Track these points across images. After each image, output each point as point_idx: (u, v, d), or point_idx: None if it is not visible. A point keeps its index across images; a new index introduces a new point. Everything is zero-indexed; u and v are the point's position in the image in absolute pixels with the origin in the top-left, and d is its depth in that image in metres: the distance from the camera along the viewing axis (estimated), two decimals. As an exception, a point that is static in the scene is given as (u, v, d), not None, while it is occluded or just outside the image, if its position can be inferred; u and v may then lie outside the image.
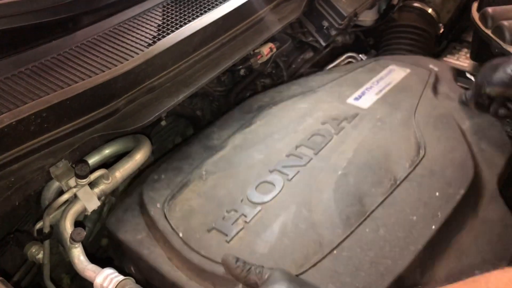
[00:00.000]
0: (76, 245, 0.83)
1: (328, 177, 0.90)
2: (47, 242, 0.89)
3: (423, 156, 0.93)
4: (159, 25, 0.93)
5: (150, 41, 0.88)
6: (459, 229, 0.83)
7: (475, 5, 1.34)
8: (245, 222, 0.82)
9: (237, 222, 0.82)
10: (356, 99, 1.10)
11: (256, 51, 1.25)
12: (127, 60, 0.83)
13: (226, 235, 0.80)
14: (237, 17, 1.06)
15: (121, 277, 0.77)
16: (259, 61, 1.25)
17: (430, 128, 1.01)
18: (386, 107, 1.07)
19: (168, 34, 0.90)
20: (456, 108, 1.09)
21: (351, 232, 0.79)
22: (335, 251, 0.77)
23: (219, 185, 0.91)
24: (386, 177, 0.89)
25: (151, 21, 0.94)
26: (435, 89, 1.15)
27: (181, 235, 0.81)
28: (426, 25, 1.49)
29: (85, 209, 0.89)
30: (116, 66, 0.82)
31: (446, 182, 0.88)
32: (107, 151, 1.01)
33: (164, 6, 0.98)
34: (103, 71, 0.80)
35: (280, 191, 0.87)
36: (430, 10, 1.50)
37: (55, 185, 0.90)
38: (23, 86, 0.76)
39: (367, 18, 1.61)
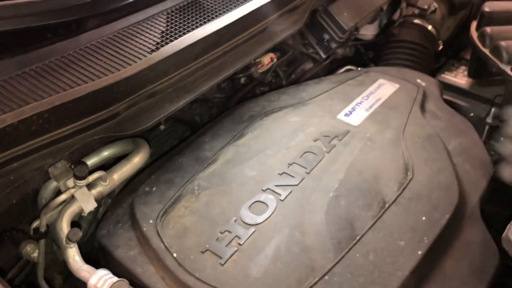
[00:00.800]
0: (72, 245, 0.84)
1: (321, 198, 0.90)
2: (42, 241, 0.89)
3: (411, 179, 0.94)
4: (162, 32, 0.94)
5: (154, 48, 0.90)
6: (442, 253, 0.84)
7: (474, 24, 1.36)
8: (239, 244, 0.82)
9: (231, 244, 0.82)
10: (347, 115, 1.12)
11: (257, 60, 1.27)
12: (130, 65, 0.84)
13: (221, 257, 0.80)
14: (240, 27, 1.07)
15: (115, 279, 0.78)
16: (260, 70, 1.27)
17: (418, 149, 1.02)
18: (376, 125, 1.09)
19: (171, 41, 0.92)
20: (442, 127, 1.11)
21: (342, 257, 0.80)
22: (326, 277, 0.78)
23: (212, 203, 0.91)
24: (376, 200, 0.91)
25: (155, 27, 0.95)
26: (422, 107, 1.16)
27: (175, 255, 0.81)
28: (425, 42, 1.51)
29: (82, 210, 0.90)
30: (119, 70, 0.83)
31: (432, 206, 0.89)
32: (106, 153, 1.02)
33: (168, 14, 1.00)
34: (106, 75, 0.82)
35: (273, 212, 0.87)
36: (430, 27, 1.52)
37: (52, 185, 0.91)
38: (27, 86, 0.77)
39: (368, 32, 1.63)
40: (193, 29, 0.96)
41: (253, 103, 1.21)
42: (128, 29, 0.94)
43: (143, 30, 0.94)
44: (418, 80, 1.26)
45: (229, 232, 0.84)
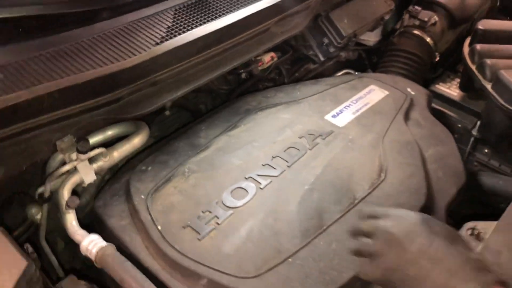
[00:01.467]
0: (70, 211, 0.95)
1: (296, 190, 0.99)
2: (46, 205, 1.00)
3: (383, 180, 1.02)
4: (168, 27, 1.03)
5: (158, 41, 0.98)
6: None
7: (467, 40, 1.43)
8: (217, 223, 0.91)
9: (210, 223, 0.91)
10: (334, 116, 1.20)
11: (258, 58, 1.35)
12: (135, 55, 0.94)
13: (199, 233, 0.89)
14: (241, 27, 1.15)
15: (104, 243, 0.88)
16: (260, 68, 1.36)
17: (395, 153, 1.10)
18: (359, 128, 1.17)
19: (175, 36, 1.00)
20: (422, 135, 1.18)
21: (307, 243, 0.88)
22: (290, 259, 0.86)
23: (198, 185, 1.00)
24: (346, 196, 0.99)
25: (161, 22, 1.03)
26: (407, 115, 1.24)
27: (159, 228, 0.90)
28: (422, 52, 1.57)
29: (82, 181, 1.00)
30: (125, 59, 0.92)
31: (398, 206, 0.96)
32: (110, 132, 1.11)
33: (175, 10, 1.08)
34: (113, 63, 0.91)
35: (251, 198, 0.96)
36: (428, 39, 1.58)
37: (59, 157, 1.01)
38: (42, 67, 0.87)
39: (370, 38, 1.70)
40: (196, 26, 1.05)
41: (251, 98, 1.30)
42: (138, 22, 1.03)
43: (150, 24, 1.03)
44: (408, 89, 1.33)
45: (210, 212, 0.93)
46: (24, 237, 1.09)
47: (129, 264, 0.83)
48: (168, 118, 1.40)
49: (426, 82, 1.64)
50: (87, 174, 1.00)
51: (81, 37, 0.97)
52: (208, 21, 1.08)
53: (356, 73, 1.59)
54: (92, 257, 0.86)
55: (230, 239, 0.89)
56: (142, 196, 0.97)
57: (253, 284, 0.83)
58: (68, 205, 0.93)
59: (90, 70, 0.89)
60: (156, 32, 1.01)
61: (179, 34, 1.03)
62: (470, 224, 0.89)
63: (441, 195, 1.04)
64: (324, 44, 1.42)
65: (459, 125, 1.51)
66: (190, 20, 1.07)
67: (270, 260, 0.86)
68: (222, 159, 1.06)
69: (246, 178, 1.01)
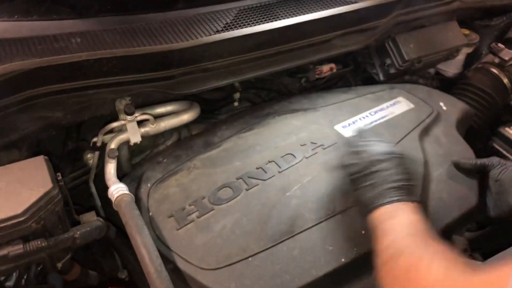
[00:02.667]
0: (112, 161, 1.13)
1: (277, 195, 1.02)
2: (97, 153, 1.20)
3: None
4: (227, 23, 1.15)
5: (213, 32, 1.12)
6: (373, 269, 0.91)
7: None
8: (197, 217, 0.99)
9: (191, 216, 0.99)
10: (345, 126, 1.21)
11: (317, 66, 1.44)
12: (188, 41, 1.09)
13: (179, 224, 0.98)
14: (300, 33, 1.24)
15: (126, 192, 1.03)
16: (317, 76, 1.44)
17: None
18: None
19: (228, 31, 1.13)
20: (437, 153, 1.15)
21: (271, 247, 0.93)
22: (250, 258, 0.92)
23: (195, 180, 1.07)
24: (326, 206, 1.00)
25: (223, 18, 1.17)
26: (426, 131, 1.20)
27: (150, 214, 1.02)
28: (495, 92, 1.52)
29: (129, 140, 1.18)
30: (178, 43, 1.08)
31: None
32: (169, 107, 1.28)
33: (239, 10, 1.20)
34: (167, 44, 1.07)
35: (234, 198, 1.02)
36: (505, 80, 1.52)
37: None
38: (111, 39, 1.05)
39: (449, 69, 1.68)
40: (251, 26, 1.17)
41: (276, 102, 1.35)
42: (204, 15, 1.18)
43: (213, 18, 1.17)
44: (441, 103, 1.30)
45: (194, 206, 1.01)
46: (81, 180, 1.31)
47: (137, 212, 0.97)
48: (236, 108, 1.54)
49: (499, 124, 1.58)
50: (134, 135, 1.16)
51: (153, 20, 1.13)
52: (264, 22, 1.18)
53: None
54: (113, 200, 1.02)
55: (203, 233, 0.97)
56: (148, 185, 1.08)
57: (209, 275, 0.90)
58: (108, 155, 1.11)
59: (146, 46, 1.05)
60: (214, 25, 1.14)
61: (231, 29, 1.14)
62: None
63: (439, 218, 1.01)
64: (386, 64, 1.45)
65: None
66: (248, 20, 1.18)
67: (233, 257, 0.92)
68: (224, 159, 1.12)
69: (237, 179, 1.06)
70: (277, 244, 0.94)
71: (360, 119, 1.24)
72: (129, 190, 1.03)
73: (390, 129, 1.21)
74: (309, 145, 1.15)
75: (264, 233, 0.96)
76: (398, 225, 0.80)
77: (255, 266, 0.91)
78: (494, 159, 1.08)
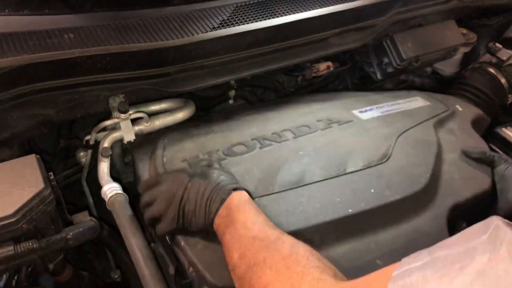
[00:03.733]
0: (105, 160, 1.11)
1: (289, 153, 1.07)
2: (90, 151, 1.18)
3: (382, 163, 1.04)
4: (223, 20, 1.13)
5: (209, 29, 1.10)
6: (380, 227, 0.93)
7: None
8: (209, 165, 1.02)
9: (203, 162, 1.04)
10: (361, 112, 1.25)
11: (314, 64, 1.42)
12: (183, 38, 1.07)
13: (191, 167, 1.03)
14: (297, 31, 1.23)
15: (120, 192, 1.02)
16: (314, 74, 1.42)
17: (407, 147, 1.10)
18: (380, 122, 1.19)
19: (224, 28, 1.11)
20: (451, 141, 1.15)
21: (278, 192, 0.96)
22: (257, 199, 0.94)
23: (211, 139, 1.14)
24: (336, 166, 1.03)
25: (219, 15, 1.14)
26: (440, 122, 1.22)
27: (164, 160, 1.06)
28: (492, 92, 1.50)
29: (122, 138, 1.16)
30: (173, 40, 1.06)
31: (387, 185, 0.98)
32: (164, 105, 1.26)
33: (236, 7, 1.18)
34: (162, 41, 1.05)
35: (247, 153, 1.08)
36: (503, 80, 1.51)
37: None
38: (106, 35, 1.02)
39: (446, 68, 1.67)
40: (248, 23, 1.15)
41: (298, 96, 1.40)
42: (199, 12, 1.16)
43: (209, 15, 1.14)
44: (457, 106, 1.31)
45: (208, 155, 1.07)
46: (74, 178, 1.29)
47: (130, 212, 0.96)
48: (230, 106, 1.52)
49: (496, 124, 1.57)
50: (127, 133, 1.14)
51: (148, 16, 1.11)
52: (260, 20, 1.16)
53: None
54: (107, 200, 1.00)
55: None
56: (165, 140, 1.14)
57: None
58: (102, 154, 1.09)
59: (141, 42, 1.03)
60: (210, 22, 1.12)
61: (228, 26, 1.12)
62: None
63: (448, 194, 1.01)
64: (384, 63, 1.44)
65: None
66: (245, 17, 1.16)
67: None
68: (242, 126, 1.19)
69: (252, 139, 1.13)
70: (285, 190, 0.97)
71: (377, 107, 1.27)
72: (146, 147, 1.12)
73: (405, 117, 1.23)
74: (325, 121, 1.20)
75: (274, 181, 0.99)
76: (241, 230, 0.78)
77: (261, 205, 0.90)
78: (503, 155, 1.08)
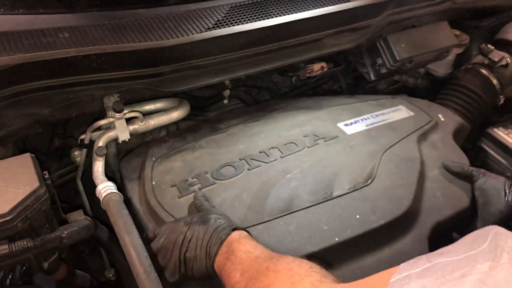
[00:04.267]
0: (99, 159, 1.11)
1: (277, 176, 1.07)
2: (85, 150, 1.18)
3: (367, 185, 1.05)
4: (218, 20, 1.14)
5: (204, 29, 1.11)
6: (366, 252, 0.95)
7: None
8: (199, 188, 1.04)
9: (193, 187, 1.04)
10: (347, 125, 1.25)
11: (308, 65, 1.43)
12: (178, 38, 1.07)
13: (180, 193, 1.03)
14: (290, 32, 1.23)
15: (114, 191, 1.02)
16: (308, 75, 1.43)
17: (391, 166, 1.11)
18: (365, 138, 1.20)
19: (219, 28, 1.12)
20: (433, 156, 1.17)
21: (267, 221, 0.97)
22: (248, 229, 0.91)
23: (199, 158, 1.13)
24: (324, 190, 1.04)
25: (214, 15, 1.15)
26: (424, 136, 1.23)
27: (153, 183, 1.06)
28: (484, 93, 1.51)
29: (117, 137, 1.16)
30: (168, 40, 1.06)
31: (372, 210, 1.00)
32: (158, 104, 1.27)
33: (231, 7, 1.19)
34: (157, 41, 1.05)
35: (236, 176, 1.07)
36: (494, 81, 1.53)
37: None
38: (101, 34, 1.03)
39: (439, 69, 1.69)
40: (242, 23, 1.15)
41: (282, 100, 1.41)
42: (194, 12, 1.16)
43: (204, 15, 1.15)
44: (440, 115, 1.33)
45: (197, 179, 1.07)
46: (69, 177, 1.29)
47: (125, 211, 0.96)
48: (226, 106, 1.53)
49: (488, 124, 1.58)
50: (122, 132, 1.15)
51: (143, 16, 1.12)
52: (255, 20, 1.17)
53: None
54: (101, 199, 1.01)
55: None
56: (153, 159, 1.12)
57: None
58: (96, 153, 1.09)
59: (136, 42, 1.03)
60: (205, 23, 1.13)
61: (223, 27, 1.12)
62: None
63: (430, 213, 1.03)
64: (377, 64, 1.45)
65: (508, 174, 1.45)
66: (240, 17, 1.16)
67: None
68: (229, 142, 1.18)
69: (240, 159, 1.12)
70: (274, 218, 0.98)
71: (362, 119, 1.28)
72: (134, 164, 1.12)
73: (389, 131, 1.25)
74: (311, 136, 1.20)
75: (263, 208, 1.00)
76: (242, 254, 0.79)
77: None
78: (481, 170, 1.09)
